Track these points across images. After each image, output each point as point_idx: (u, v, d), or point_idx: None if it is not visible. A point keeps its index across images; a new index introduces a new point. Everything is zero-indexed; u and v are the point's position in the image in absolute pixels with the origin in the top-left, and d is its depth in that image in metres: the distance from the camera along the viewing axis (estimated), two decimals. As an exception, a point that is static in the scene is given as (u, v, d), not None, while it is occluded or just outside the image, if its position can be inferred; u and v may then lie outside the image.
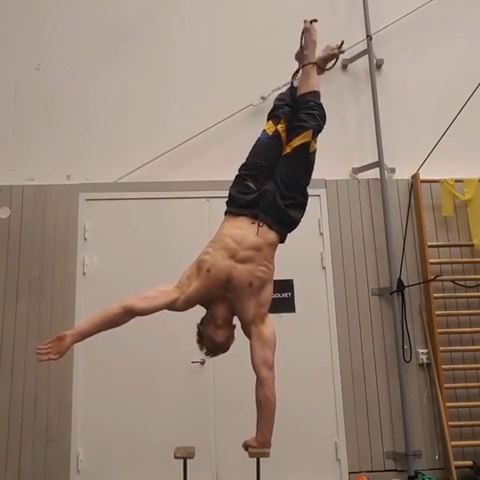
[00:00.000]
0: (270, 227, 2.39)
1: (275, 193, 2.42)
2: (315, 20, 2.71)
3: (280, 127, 2.56)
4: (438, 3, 4.63)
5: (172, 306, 2.32)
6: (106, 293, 3.80)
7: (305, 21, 2.74)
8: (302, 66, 2.68)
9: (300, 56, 2.74)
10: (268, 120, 2.65)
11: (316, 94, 2.60)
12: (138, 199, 4.19)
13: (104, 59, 4.49)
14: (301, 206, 2.50)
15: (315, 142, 2.52)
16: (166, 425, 3.75)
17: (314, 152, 2.53)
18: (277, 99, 2.74)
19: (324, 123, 2.57)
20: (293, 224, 2.49)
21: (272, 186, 2.45)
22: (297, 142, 2.47)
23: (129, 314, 2.26)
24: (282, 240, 2.48)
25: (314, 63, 2.66)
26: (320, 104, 2.58)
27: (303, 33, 2.73)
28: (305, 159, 2.50)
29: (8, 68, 4.42)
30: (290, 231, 2.50)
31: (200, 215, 4.07)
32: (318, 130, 2.54)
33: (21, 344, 3.85)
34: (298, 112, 2.56)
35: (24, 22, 4.52)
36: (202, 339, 2.37)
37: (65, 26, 4.52)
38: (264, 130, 2.61)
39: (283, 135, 2.55)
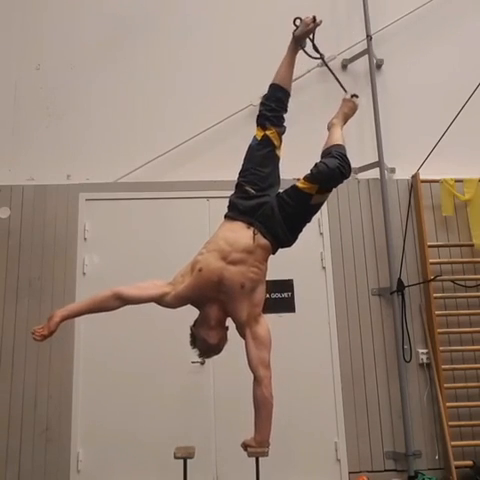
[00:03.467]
0: (264, 236, 2.40)
1: (274, 208, 2.41)
2: (356, 96, 2.73)
3: (269, 132, 2.55)
4: (438, 3, 4.63)
5: (161, 300, 2.33)
6: (106, 293, 3.81)
7: (352, 96, 2.73)
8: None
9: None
10: (257, 126, 2.63)
11: (338, 146, 2.50)
12: (138, 199, 4.19)
13: (104, 59, 4.49)
14: (295, 232, 2.49)
15: (322, 197, 2.41)
16: (166, 425, 3.75)
17: (318, 204, 2.43)
18: (261, 104, 2.66)
19: (348, 174, 2.40)
20: (286, 242, 2.48)
21: (274, 200, 2.44)
22: (301, 184, 2.39)
23: (116, 298, 2.29)
24: (273, 251, 2.47)
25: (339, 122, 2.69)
26: (345, 155, 2.42)
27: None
28: (305, 207, 2.42)
29: (8, 68, 4.42)
30: (281, 247, 2.50)
31: (200, 215, 4.07)
32: (330, 186, 2.41)
33: (21, 344, 3.84)
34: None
35: (24, 22, 4.52)
36: (195, 341, 2.38)
37: (65, 26, 4.52)
38: (254, 136, 2.60)
39: (273, 139, 2.54)
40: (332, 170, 2.33)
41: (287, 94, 2.66)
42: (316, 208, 2.46)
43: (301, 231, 2.50)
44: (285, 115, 2.64)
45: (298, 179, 2.38)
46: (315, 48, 2.69)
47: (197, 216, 4.09)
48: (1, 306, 3.92)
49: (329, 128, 2.70)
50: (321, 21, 2.60)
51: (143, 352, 3.86)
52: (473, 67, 4.42)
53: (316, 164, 2.39)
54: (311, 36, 2.66)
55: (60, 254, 4.04)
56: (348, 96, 2.75)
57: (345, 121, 2.73)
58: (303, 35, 2.64)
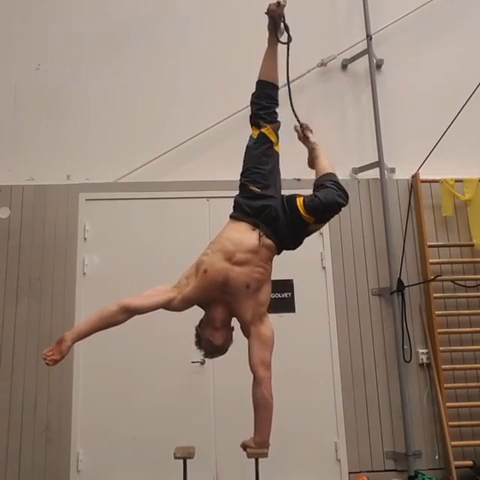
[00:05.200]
0: (269, 237, 2.39)
1: (278, 211, 2.41)
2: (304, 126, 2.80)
3: (264, 130, 2.56)
4: (438, 3, 4.63)
5: (169, 305, 2.32)
6: (106, 293, 3.79)
7: (298, 126, 2.79)
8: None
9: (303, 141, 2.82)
10: (251, 126, 2.64)
11: (330, 175, 2.51)
12: (138, 199, 4.19)
13: (104, 59, 4.49)
14: (298, 239, 2.50)
15: (319, 226, 2.46)
16: (166, 425, 3.75)
17: (314, 230, 2.46)
18: (251, 103, 2.68)
19: (346, 201, 2.41)
20: (290, 245, 2.49)
21: (278, 204, 2.44)
22: (300, 206, 2.39)
23: (124, 312, 2.26)
24: (277, 252, 2.48)
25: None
26: (338, 182, 2.45)
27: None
28: (303, 230, 2.44)
29: (8, 68, 4.42)
30: (286, 249, 2.50)
31: (200, 215, 4.08)
32: (328, 217, 2.44)
33: (21, 344, 3.85)
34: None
35: (24, 22, 4.51)
36: (200, 341, 2.38)
37: (65, 26, 4.52)
38: (250, 136, 2.61)
39: (270, 135, 2.55)
40: (329, 204, 2.37)
41: (276, 88, 2.65)
42: (311, 232, 2.48)
43: (302, 242, 2.51)
44: (278, 109, 2.64)
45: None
46: (286, 29, 2.61)
47: (197, 216, 4.09)
48: (1, 306, 3.92)
49: (312, 166, 2.73)
50: (285, 2, 2.55)
51: (143, 352, 3.86)
52: (473, 67, 4.42)
53: (311, 198, 2.40)
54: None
55: (60, 254, 4.04)
56: (304, 132, 2.80)
57: (320, 149, 2.73)
58: (273, 23, 2.60)
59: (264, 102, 2.61)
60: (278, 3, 2.53)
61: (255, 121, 2.61)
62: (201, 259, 2.37)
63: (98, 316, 2.28)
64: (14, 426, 3.74)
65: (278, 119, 2.63)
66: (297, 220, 2.40)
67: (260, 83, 2.65)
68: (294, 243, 2.49)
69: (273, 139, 2.56)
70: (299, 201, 2.40)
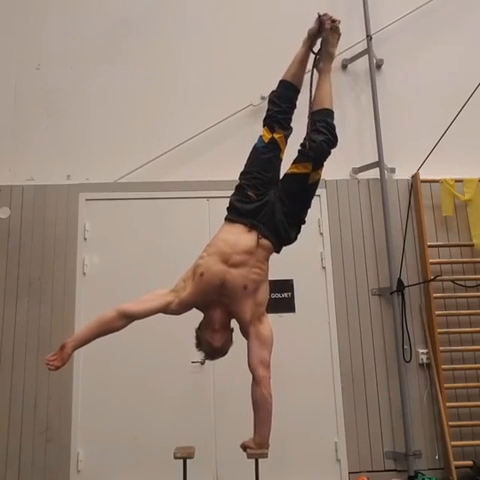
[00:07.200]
0: (266, 238, 2.39)
1: (275, 206, 2.41)
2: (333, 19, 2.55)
3: (277, 136, 2.50)
4: (438, 3, 4.63)
5: (166, 309, 2.32)
6: (106, 293, 3.81)
7: (333, 21, 2.57)
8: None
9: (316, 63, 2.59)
10: (264, 126, 2.57)
11: (325, 113, 2.48)
12: (138, 199, 4.19)
13: (104, 59, 4.49)
14: (297, 225, 2.49)
15: (318, 174, 2.43)
16: (166, 425, 3.75)
17: (315, 182, 2.44)
18: (270, 101, 2.59)
19: (334, 145, 2.45)
20: (288, 240, 2.48)
21: (273, 197, 2.43)
22: (295, 169, 2.42)
23: (122, 317, 2.27)
24: (276, 251, 2.47)
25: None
26: (330, 125, 2.44)
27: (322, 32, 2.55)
28: (304, 188, 2.44)
29: (8, 68, 4.42)
30: (285, 245, 2.50)
31: (200, 215, 4.08)
32: (322, 160, 2.43)
33: (21, 344, 3.85)
34: (310, 126, 2.47)
35: (24, 22, 4.51)
36: (200, 344, 2.38)
37: (65, 26, 4.52)
38: (261, 136, 2.54)
39: (280, 143, 2.51)
40: (319, 143, 2.39)
41: (297, 92, 2.59)
42: (313, 188, 2.46)
43: (304, 222, 2.49)
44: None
45: None
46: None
47: (197, 216, 4.09)
48: (1, 306, 3.92)
49: (318, 71, 2.59)
50: (339, 21, 2.52)
51: (143, 352, 3.86)
52: (473, 67, 4.42)
53: (303, 144, 2.42)
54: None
55: (60, 254, 4.04)
56: (328, 25, 2.54)
57: (332, 59, 2.62)
58: (319, 30, 2.55)
59: (284, 105, 2.54)
60: (334, 22, 2.53)
61: (270, 123, 2.53)
62: (197, 262, 2.37)
63: (97, 322, 2.30)
64: (14, 426, 3.74)
65: (291, 126, 2.57)
66: (296, 185, 2.41)
67: (284, 83, 2.58)
68: (294, 231, 2.47)
69: (282, 147, 2.52)
70: (291, 169, 2.43)
